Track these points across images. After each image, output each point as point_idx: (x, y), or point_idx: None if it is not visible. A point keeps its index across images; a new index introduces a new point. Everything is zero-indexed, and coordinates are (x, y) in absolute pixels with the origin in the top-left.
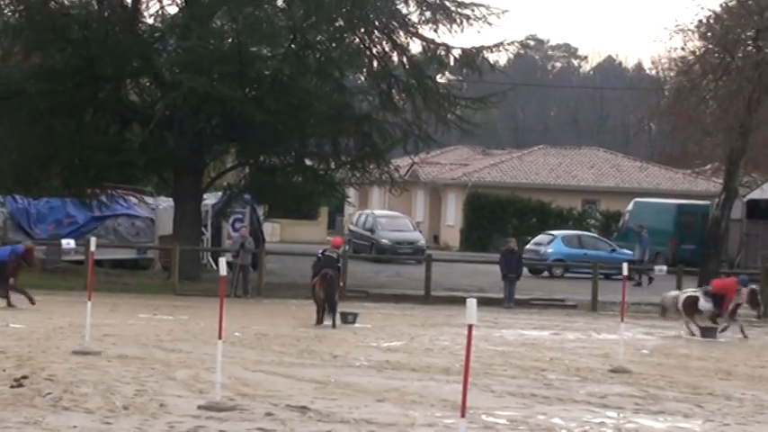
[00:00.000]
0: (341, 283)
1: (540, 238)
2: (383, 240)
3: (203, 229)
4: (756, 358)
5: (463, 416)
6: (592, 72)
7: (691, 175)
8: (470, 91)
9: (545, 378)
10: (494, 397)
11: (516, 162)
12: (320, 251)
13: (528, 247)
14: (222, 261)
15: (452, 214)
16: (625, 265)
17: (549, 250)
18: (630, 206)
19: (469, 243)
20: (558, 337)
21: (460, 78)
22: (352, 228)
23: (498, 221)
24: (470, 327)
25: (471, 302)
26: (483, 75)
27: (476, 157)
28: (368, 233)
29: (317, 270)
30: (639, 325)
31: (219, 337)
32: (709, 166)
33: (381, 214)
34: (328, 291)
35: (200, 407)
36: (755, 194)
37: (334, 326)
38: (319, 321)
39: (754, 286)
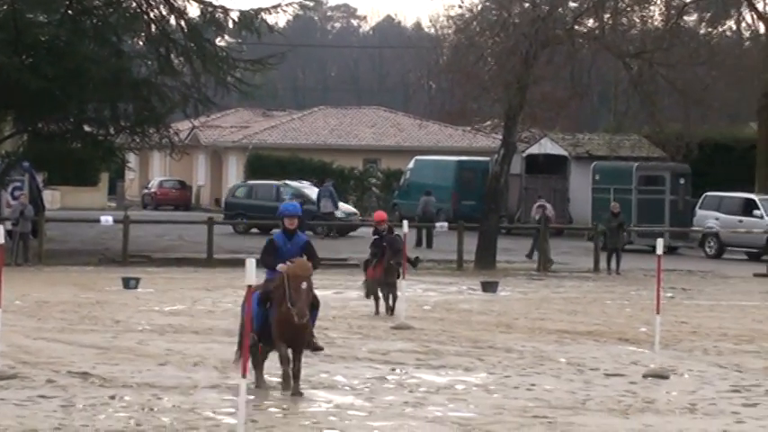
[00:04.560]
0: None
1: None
2: (337, 213)
3: None
4: (536, 311)
5: (244, 376)
6: (371, 32)
7: (470, 131)
8: (249, 53)
9: (327, 336)
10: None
11: (297, 123)
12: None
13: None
14: (1, 229)
15: (234, 177)
16: (405, 222)
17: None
18: (411, 164)
19: None
20: (341, 296)
21: (239, 41)
22: (231, 200)
23: None
24: (249, 287)
25: (250, 263)
26: (262, 36)
27: (256, 119)
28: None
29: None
30: (422, 281)
31: None
32: (488, 123)
33: (305, 185)
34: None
35: None
36: (534, 149)
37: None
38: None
39: None
